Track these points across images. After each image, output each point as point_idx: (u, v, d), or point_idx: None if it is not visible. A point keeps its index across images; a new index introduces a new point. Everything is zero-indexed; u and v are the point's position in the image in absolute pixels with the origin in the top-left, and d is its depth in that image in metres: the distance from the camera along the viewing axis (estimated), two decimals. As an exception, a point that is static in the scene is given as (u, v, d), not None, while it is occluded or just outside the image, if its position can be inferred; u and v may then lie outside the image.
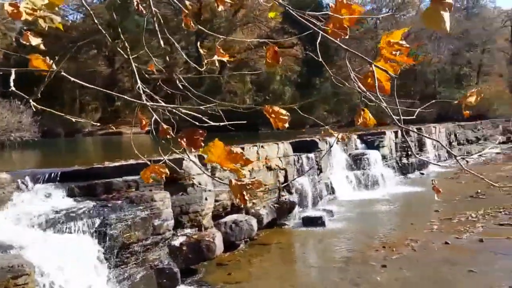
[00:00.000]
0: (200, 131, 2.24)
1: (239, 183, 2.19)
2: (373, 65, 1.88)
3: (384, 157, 16.52)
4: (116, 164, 7.86)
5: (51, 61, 2.46)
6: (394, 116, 1.95)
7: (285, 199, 11.26)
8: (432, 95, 31.27)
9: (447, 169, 18.15)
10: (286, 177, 11.53)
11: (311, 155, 12.61)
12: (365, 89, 2.00)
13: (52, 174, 7.27)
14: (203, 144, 2.19)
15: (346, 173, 14.90)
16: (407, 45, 2.01)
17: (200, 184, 8.49)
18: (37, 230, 5.65)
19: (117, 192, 7.05)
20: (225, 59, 3.20)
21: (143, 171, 2.39)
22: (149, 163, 2.55)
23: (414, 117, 2.26)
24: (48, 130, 28.47)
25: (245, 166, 2.20)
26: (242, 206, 9.98)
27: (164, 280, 6.74)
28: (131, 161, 8.09)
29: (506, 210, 11.31)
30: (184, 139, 2.16)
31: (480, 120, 28.31)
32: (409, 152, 18.31)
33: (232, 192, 2.21)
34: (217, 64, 2.89)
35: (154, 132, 2.32)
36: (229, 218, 9.47)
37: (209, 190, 8.73)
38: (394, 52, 2.02)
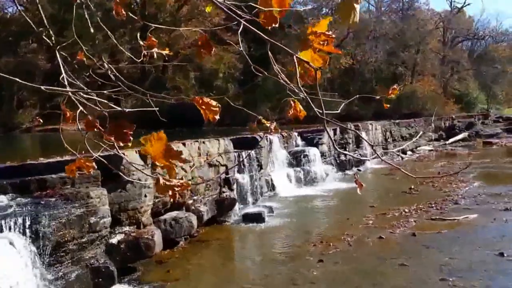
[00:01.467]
0: (129, 125, 2.21)
1: (167, 183, 2.19)
2: (295, 57, 1.96)
3: (323, 154, 16.94)
4: (51, 160, 7.62)
5: None
6: (316, 109, 2.04)
7: (226, 195, 11.33)
8: (369, 93, 32.37)
9: (383, 165, 18.83)
10: (227, 173, 11.60)
11: (252, 151, 12.75)
12: (288, 82, 2.09)
13: (-18, 171, 6.96)
14: (131, 139, 2.17)
15: (287, 170, 15.15)
16: (333, 36, 2.09)
17: (140, 180, 8.38)
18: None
19: (52, 189, 6.85)
20: (164, 52, 3.19)
21: (68, 165, 2.36)
22: (78, 155, 2.52)
23: (338, 114, 2.37)
24: (-20, 126, 26.97)
25: (180, 164, 2.22)
26: (183, 202, 9.96)
27: (100, 279, 6.62)
28: (67, 157, 7.85)
29: (437, 205, 11.94)
30: (112, 133, 2.13)
31: (414, 118, 29.66)
32: (347, 149, 18.90)
33: (157, 190, 2.20)
34: (155, 56, 2.90)
35: (78, 125, 2.28)
36: (169, 215, 9.42)
37: (149, 187, 8.63)
38: (321, 42, 2.10)
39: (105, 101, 2.50)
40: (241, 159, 12.13)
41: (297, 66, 2.09)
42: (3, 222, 5.60)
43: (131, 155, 8.48)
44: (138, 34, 3.75)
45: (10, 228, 5.59)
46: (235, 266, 8.53)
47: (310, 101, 2.03)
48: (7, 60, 37.74)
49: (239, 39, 2.63)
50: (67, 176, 7.09)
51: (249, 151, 12.50)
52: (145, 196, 8.52)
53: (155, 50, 3.13)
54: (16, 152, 15.53)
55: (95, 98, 2.61)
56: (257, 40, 31.92)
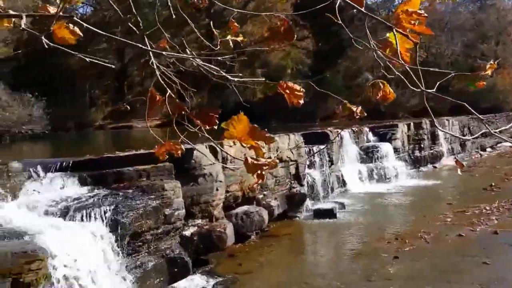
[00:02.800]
0: (215, 109, 2.19)
1: (255, 162, 2.13)
2: (394, 30, 1.79)
3: (396, 150, 16.35)
4: (127, 153, 7.85)
5: (76, 28, 2.32)
6: (412, 87, 1.86)
7: (296, 191, 11.19)
8: (445, 87, 30.94)
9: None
10: (297, 168, 11.45)
11: (323, 146, 12.50)
12: (386, 55, 1.91)
13: (64, 163, 7.27)
14: (217, 122, 2.13)
15: (358, 166, 14.77)
16: (426, 15, 1.92)
17: (211, 174, 8.44)
18: (49, 218, 5.66)
19: (128, 181, 7.03)
20: (239, 39, 3.13)
21: (157, 148, 2.33)
22: (162, 142, 2.49)
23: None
24: (58, 124, 28.60)
25: (267, 144, 2.14)
26: (253, 197, 9.94)
27: (176, 269, 6.72)
28: (142, 151, 8.07)
29: (521, 202, 11.16)
30: (199, 117, 2.10)
31: (494, 113, 27.95)
32: (422, 145, 18.14)
33: (247, 170, 2.15)
34: (231, 44, 2.82)
35: (168, 107, 2.25)
36: (240, 209, 9.42)
37: (220, 181, 8.67)
38: (412, 22, 1.94)
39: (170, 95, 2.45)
40: (311, 154, 11.94)
41: (396, 40, 1.91)
42: (84, 212, 5.81)
43: (202, 150, 8.57)
44: (212, 23, 3.69)
45: (90, 218, 5.79)
46: (307, 261, 8.38)
47: (413, 75, 1.85)
48: (79, 59, 39.68)
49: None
50: (143, 169, 7.28)
51: (320, 146, 12.27)
52: (217, 189, 8.56)
53: (229, 37, 3.06)
54: (92, 147, 16.29)
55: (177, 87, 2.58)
56: (325, 35, 31.53)
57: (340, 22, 2.06)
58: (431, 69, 1.97)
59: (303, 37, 31.05)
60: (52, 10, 2.20)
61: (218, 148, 9.03)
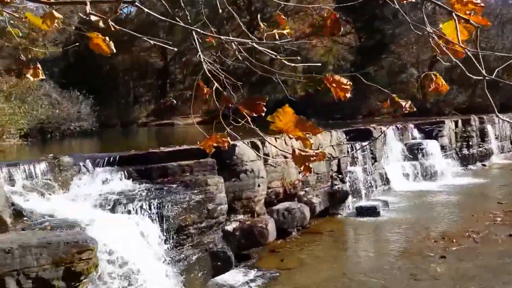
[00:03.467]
0: (262, 98, 2.21)
1: (303, 153, 2.14)
2: (454, 14, 1.75)
3: (443, 147, 15.92)
4: (171, 149, 8.01)
5: (110, 42, 2.44)
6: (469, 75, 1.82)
7: (338, 188, 11.10)
8: (495, 83, 29.76)
9: (511, 160, 17.27)
10: (339, 165, 11.35)
11: (365, 143, 12.33)
12: (444, 35, 1.88)
13: (111, 158, 7.50)
14: (265, 110, 2.15)
15: (402, 163, 14.47)
16: (482, 4, 1.88)
17: (253, 170, 8.49)
18: (98, 210, 5.85)
19: (172, 176, 7.18)
20: (286, 31, 3.15)
21: (204, 141, 2.38)
22: (207, 136, 2.54)
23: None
24: (105, 121, 29.43)
25: (314, 135, 2.15)
26: (295, 193, 9.92)
27: (218, 263, 6.82)
28: (185, 146, 8.22)
29: None
30: (246, 105, 2.13)
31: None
32: (470, 142, 17.57)
33: (295, 162, 2.17)
34: (277, 37, 2.84)
35: (215, 99, 2.29)
36: (282, 206, 9.43)
37: (262, 177, 8.71)
38: (467, 12, 1.89)
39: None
40: (354, 152, 11.80)
41: (456, 23, 1.87)
42: (131, 205, 5.97)
43: (243, 147, 8.63)
44: (258, 16, 3.71)
45: (137, 211, 5.95)
46: (350, 258, 8.31)
47: (474, 59, 1.81)
48: (123, 58, 40.66)
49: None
50: (186, 164, 7.42)
51: (363, 143, 12.11)
52: (259, 185, 8.60)
53: (275, 31, 3.08)
54: (136, 143, 16.69)
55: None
56: (368, 30, 31.00)
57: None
58: (495, 52, 1.91)
59: (345, 33, 30.67)
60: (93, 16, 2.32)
61: (260, 145, 9.10)
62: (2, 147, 13.95)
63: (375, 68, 29.47)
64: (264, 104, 2.17)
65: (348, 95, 2.39)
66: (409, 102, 2.89)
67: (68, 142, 18.83)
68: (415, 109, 2.48)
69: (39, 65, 2.91)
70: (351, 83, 2.46)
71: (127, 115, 37.49)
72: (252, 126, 2.22)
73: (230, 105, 2.38)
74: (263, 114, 2.26)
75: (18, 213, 5.33)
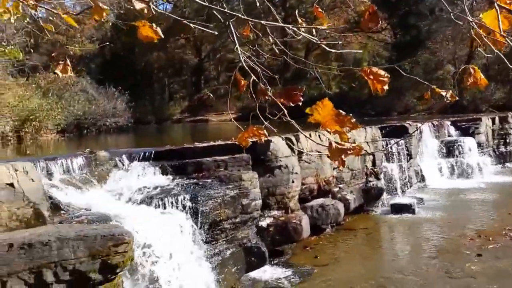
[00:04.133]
0: (299, 88, 2.17)
1: (339, 146, 2.09)
2: (495, 4, 1.66)
3: (479, 145, 15.47)
4: (206, 144, 8.03)
5: (158, 28, 2.45)
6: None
7: (373, 185, 10.92)
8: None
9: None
10: (374, 162, 11.17)
11: (401, 140, 12.09)
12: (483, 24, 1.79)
13: (147, 153, 7.57)
14: (302, 99, 2.12)
15: (438, 161, 14.15)
16: None
17: (287, 166, 8.44)
18: (134, 204, 5.92)
19: (207, 171, 7.20)
20: (324, 26, 3.10)
21: (241, 134, 2.34)
22: (242, 129, 2.50)
23: None
24: (140, 117, 29.92)
25: (352, 129, 2.10)
26: (329, 190, 9.82)
27: (253, 258, 6.80)
28: (220, 142, 8.23)
29: None
30: (283, 95, 2.09)
31: None
32: (508, 140, 17.01)
33: (330, 155, 2.12)
34: (314, 32, 2.78)
35: (252, 91, 2.25)
36: (316, 202, 9.34)
37: (296, 173, 8.65)
38: (509, 1, 1.80)
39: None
40: (389, 148, 11.59)
41: (498, 13, 1.78)
42: (166, 199, 6.01)
43: (278, 142, 8.58)
44: (296, 12, 3.64)
45: (172, 205, 5.99)
46: (384, 255, 8.17)
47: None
48: (159, 56, 41.20)
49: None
50: (221, 159, 7.42)
51: (398, 139, 11.88)
52: (293, 181, 8.54)
53: (314, 26, 3.02)
54: (171, 139, 16.86)
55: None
56: (404, 26, 30.40)
57: None
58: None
59: (380, 29, 30.21)
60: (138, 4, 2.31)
61: (294, 140, 9.03)
62: (40, 142, 14.34)
63: (411, 65, 28.90)
64: (301, 94, 2.13)
65: (386, 87, 2.33)
66: (450, 92, 2.78)
67: (104, 137, 19.19)
68: (457, 98, 2.39)
69: (68, 62, 2.93)
70: (389, 76, 2.39)
71: (161, 111, 38.04)
72: (288, 119, 2.17)
73: (266, 97, 2.34)
74: (300, 104, 2.22)
75: (55, 207, 5.43)
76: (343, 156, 2.02)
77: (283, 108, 2.30)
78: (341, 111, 2.14)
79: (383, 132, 11.95)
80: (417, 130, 12.80)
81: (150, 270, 4.92)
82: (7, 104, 13.44)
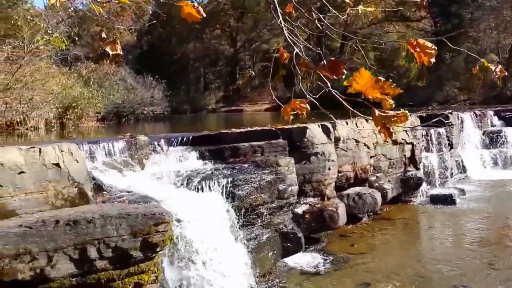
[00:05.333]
0: (342, 62, 2.15)
1: (383, 114, 2.06)
2: None
3: (525, 135, 14.91)
4: (242, 130, 8.05)
5: (199, 7, 2.46)
6: None
7: (412, 174, 10.72)
8: None
9: None
10: (413, 151, 10.94)
11: (442, 129, 11.80)
12: None
13: (184, 138, 7.66)
14: (345, 72, 2.10)
15: (480, 151, 13.75)
16: None
17: (323, 153, 8.37)
18: (172, 187, 6.00)
19: (244, 156, 7.22)
20: (369, 9, 3.06)
21: (283, 108, 2.33)
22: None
23: None
24: (176, 107, 30.28)
25: (393, 94, 2.06)
26: (366, 179, 9.70)
27: (289, 244, 6.80)
28: (256, 128, 8.24)
29: None
30: (327, 67, 2.07)
31: None
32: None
33: (375, 123, 2.08)
34: (360, 12, 2.74)
35: (294, 62, 2.24)
36: (352, 190, 9.25)
37: (333, 160, 8.57)
38: None
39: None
40: (429, 137, 11.33)
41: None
42: (203, 183, 6.07)
43: (314, 129, 8.52)
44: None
45: (209, 189, 6.04)
46: (423, 245, 8.02)
47: None
48: (195, 46, 41.53)
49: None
50: (258, 145, 7.43)
51: (439, 129, 11.60)
52: (329, 169, 8.47)
53: (360, 7, 2.97)
54: (208, 127, 16.97)
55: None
56: (445, 14, 29.54)
57: None
58: None
59: (420, 18, 29.45)
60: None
61: (331, 128, 8.95)
62: (81, 128, 14.72)
63: (452, 54, 28.11)
64: (345, 66, 2.10)
65: (433, 60, 2.28)
66: (499, 66, 2.68)
67: (142, 125, 19.52)
68: (505, 73, 2.31)
69: (118, 41, 2.98)
70: (436, 48, 2.34)
71: (197, 101, 38.43)
72: (332, 90, 2.14)
73: (309, 69, 2.32)
74: (343, 77, 2.20)
75: (98, 188, 5.57)
76: (387, 125, 1.98)
77: (326, 81, 2.28)
78: (380, 77, 2.11)
79: (423, 121, 11.64)
80: (442, 115, 12.38)
81: (188, 251, 4.99)
82: (51, 92, 13.86)
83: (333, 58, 2.19)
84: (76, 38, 17.82)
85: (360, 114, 2.27)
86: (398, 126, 1.99)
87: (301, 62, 2.28)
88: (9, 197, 4.30)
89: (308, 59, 2.29)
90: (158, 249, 4.50)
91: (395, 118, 1.97)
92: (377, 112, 1.97)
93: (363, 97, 2.08)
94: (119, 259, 4.27)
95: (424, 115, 11.78)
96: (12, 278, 3.88)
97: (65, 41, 14.63)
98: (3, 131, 11.60)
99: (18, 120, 12.07)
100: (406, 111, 1.99)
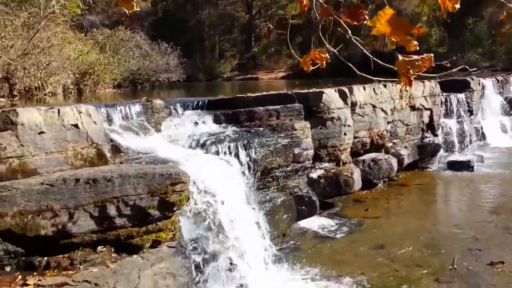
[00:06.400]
0: (364, 6, 2.09)
1: (407, 59, 2.01)
2: None
3: (548, 101, 14.58)
4: (258, 94, 8.02)
5: None
6: None
7: (429, 141, 10.62)
8: None
9: None
10: (431, 117, 10.80)
11: (461, 95, 11.59)
12: None
13: (200, 102, 7.66)
14: (367, 18, 2.04)
15: (501, 118, 13.51)
16: None
17: (339, 118, 8.33)
18: (188, 150, 6.06)
19: (259, 120, 7.21)
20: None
21: (303, 59, 2.30)
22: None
23: None
24: (191, 74, 30.15)
25: (417, 34, 2.00)
26: (382, 144, 9.64)
27: (304, 207, 6.85)
28: (272, 92, 8.21)
29: None
30: (347, 13, 2.02)
31: None
32: None
33: (398, 69, 2.04)
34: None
35: (316, 13, 2.19)
36: (368, 156, 9.23)
37: (349, 125, 8.53)
38: None
39: None
40: (448, 103, 11.16)
41: None
42: (219, 146, 6.11)
43: (331, 94, 8.46)
44: None
45: (225, 152, 6.08)
46: (439, 210, 8.03)
47: None
48: (210, 13, 41.00)
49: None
50: (273, 108, 7.40)
51: (458, 94, 11.41)
52: (345, 134, 8.44)
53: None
54: (222, 93, 16.93)
55: None
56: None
57: None
58: None
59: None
60: None
61: (347, 93, 8.86)
62: (98, 95, 14.79)
63: (475, 19, 27.33)
64: (366, 12, 2.05)
65: (458, 6, 2.21)
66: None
67: (157, 92, 19.54)
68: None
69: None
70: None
71: (212, 69, 38.21)
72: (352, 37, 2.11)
73: (329, 17, 2.27)
74: (365, 23, 2.15)
75: (116, 149, 5.64)
76: (411, 71, 1.93)
77: (347, 28, 2.24)
78: (404, 18, 2.05)
79: (443, 87, 11.43)
80: (479, 85, 12.13)
81: (205, 211, 5.06)
82: (67, 57, 13.88)
83: (354, 3, 2.13)
84: (91, 1, 17.70)
85: (366, 76, 2.23)
86: (421, 73, 1.94)
87: (321, 9, 2.23)
88: (30, 156, 4.39)
89: (328, 6, 2.24)
90: (175, 208, 4.58)
91: (420, 62, 1.92)
92: (400, 57, 1.92)
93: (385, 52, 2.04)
94: (137, 217, 4.36)
95: (445, 82, 11.59)
96: (35, 234, 4.01)
97: (80, 5, 14.56)
98: (22, 96, 11.72)
99: (36, 85, 12.17)
100: (431, 54, 1.93)
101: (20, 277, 3.87)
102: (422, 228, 6.79)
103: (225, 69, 40.47)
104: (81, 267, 4.04)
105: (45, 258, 4.08)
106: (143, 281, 4.10)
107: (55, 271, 3.98)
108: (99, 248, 4.29)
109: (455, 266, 5.42)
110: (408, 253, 5.92)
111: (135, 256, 4.34)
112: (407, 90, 9.58)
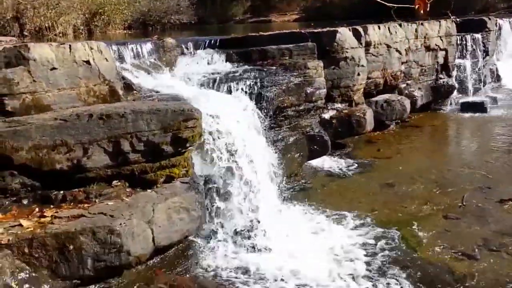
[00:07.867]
0: None
1: None
2: None
3: None
4: (271, 33, 7.89)
5: None
6: None
7: (443, 82, 10.46)
8: None
9: None
10: (446, 58, 10.58)
11: (478, 35, 11.28)
12: None
13: (212, 41, 7.57)
14: None
15: (517, 59, 13.20)
16: None
17: (353, 58, 8.19)
18: (200, 88, 6.05)
19: (271, 59, 7.13)
20: None
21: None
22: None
23: None
24: (202, 16, 29.59)
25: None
26: (396, 85, 9.52)
27: (315, 147, 6.88)
28: (285, 31, 8.06)
29: None
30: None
31: None
32: None
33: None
34: None
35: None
36: (381, 97, 9.13)
37: (362, 66, 8.39)
38: None
39: None
40: (464, 43, 10.89)
41: None
42: (232, 84, 6.09)
43: (344, 33, 8.27)
44: None
45: (237, 90, 6.07)
46: (450, 150, 8.04)
47: None
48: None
49: None
50: (286, 47, 7.29)
51: (475, 34, 11.10)
52: (358, 74, 8.32)
53: None
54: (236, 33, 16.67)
55: None
56: None
57: None
58: None
59: None
60: None
61: (362, 32, 8.66)
62: (109, 35, 14.66)
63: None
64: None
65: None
66: None
67: (168, 33, 19.29)
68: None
69: None
70: None
71: (224, 11, 37.40)
72: None
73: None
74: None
75: (128, 87, 5.62)
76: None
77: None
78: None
79: (459, 27, 11.10)
80: (496, 25, 11.79)
81: (218, 146, 5.11)
82: (77, -4, 13.70)
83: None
84: None
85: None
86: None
87: None
88: (43, 92, 4.41)
89: None
90: (187, 145, 4.63)
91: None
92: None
93: None
94: (150, 152, 4.42)
95: (461, 21, 11.25)
96: (51, 168, 4.09)
97: None
98: (33, 36, 11.67)
99: (46, 25, 12.08)
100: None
101: (37, 209, 3.99)
102: (433, 167, 6.83)
103: (238, 11, 39.59)
104: (96, 200, 4.15)
105: (61, 192, 4.18)
106: (157, 214, 4.21)
107: (71, 204, 4.09)
108: (114, 182, 4.38)
109: (464, 203, 5.49)
110: (418, 191, 6.00)
111: (149, 190, 4.43)
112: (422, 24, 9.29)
